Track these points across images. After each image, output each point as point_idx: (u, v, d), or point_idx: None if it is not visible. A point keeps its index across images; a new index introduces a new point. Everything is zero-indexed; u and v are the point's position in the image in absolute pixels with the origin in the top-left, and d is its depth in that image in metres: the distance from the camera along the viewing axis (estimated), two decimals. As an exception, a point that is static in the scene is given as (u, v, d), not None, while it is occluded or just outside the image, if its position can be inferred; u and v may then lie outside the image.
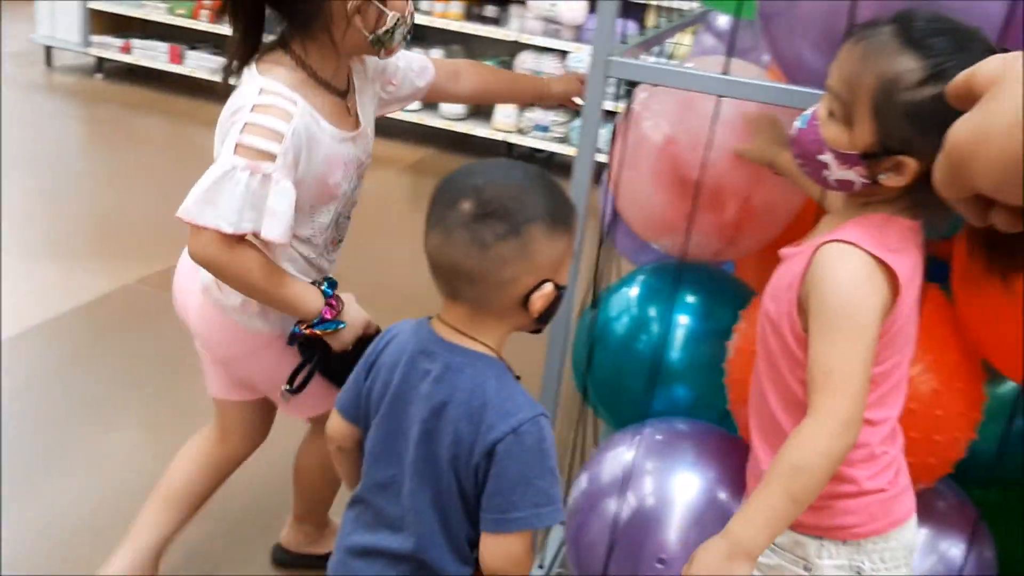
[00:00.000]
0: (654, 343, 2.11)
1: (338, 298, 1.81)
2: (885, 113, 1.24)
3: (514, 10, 5.89)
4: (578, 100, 2.14)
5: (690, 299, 2.16)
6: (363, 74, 1.94)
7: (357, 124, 1.90)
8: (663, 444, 1.92)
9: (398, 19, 1.74)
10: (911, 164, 1.27)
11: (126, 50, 6.75)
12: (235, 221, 1.63)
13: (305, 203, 1.78)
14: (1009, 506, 2.13)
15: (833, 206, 1.53)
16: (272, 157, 1.64)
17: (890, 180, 1.30)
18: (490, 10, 5.92)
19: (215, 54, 6.62)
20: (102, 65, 6.90)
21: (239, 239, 1.66)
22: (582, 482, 1.94)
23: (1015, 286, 1.51)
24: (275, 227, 1.65)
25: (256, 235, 1.66)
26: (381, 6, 1.71)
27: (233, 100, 1.71)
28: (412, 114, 6.15)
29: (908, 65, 1.22)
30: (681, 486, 1.83)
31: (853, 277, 1.31)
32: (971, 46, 1.22)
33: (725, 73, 1.50)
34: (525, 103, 2.09)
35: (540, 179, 1.34)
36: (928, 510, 1.86)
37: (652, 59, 2.26)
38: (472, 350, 1.37)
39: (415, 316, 1.45)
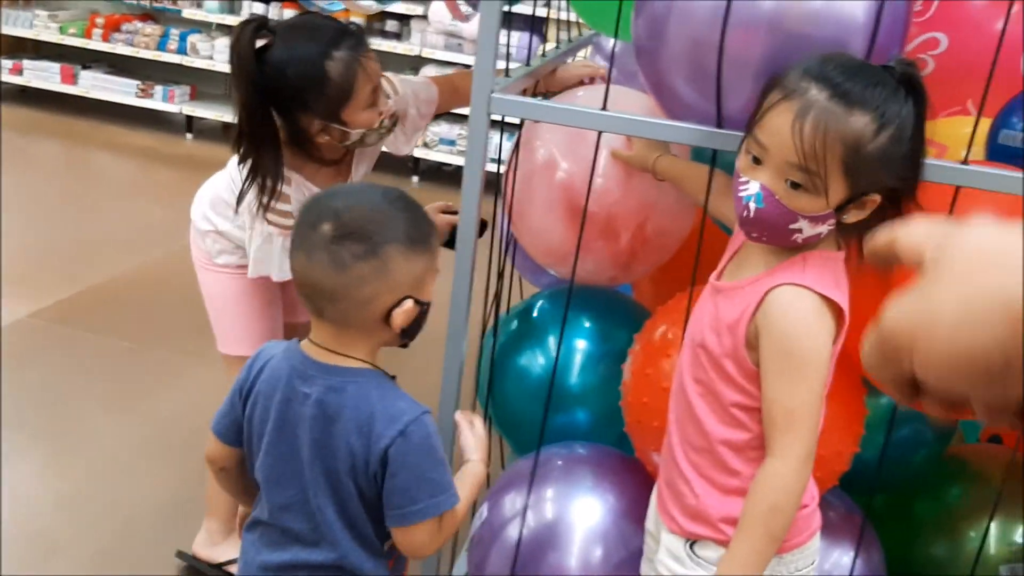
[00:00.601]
0: (550, 368, 2.13)
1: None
2: (856, 169, 1.30)
3: (415, 24, 5.89)
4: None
5: (587, 323, 2.19)
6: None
7: (347, 178, 2.13)
8: (562, 469, 1.95)
9: (364, 133, 1.94)
10: (876, 199, 1.35)
11: (17, 71, 6.56)
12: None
13: None
14: (894, 510, 2.21)
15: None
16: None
17: (852, 216, 1.37)
18: (391, 24, 5.91)
19: (109, 73, 6.48)
20: (-8, 87, 6.69)
21: None
22: (483, 512, 1.95)
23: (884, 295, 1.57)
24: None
25: None
26: (343, 128, 1.92)
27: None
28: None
29: (862, 122, 1.29)
30: (580, 510, 1.86)
31: (807, 321, 1.37)
32: (881, 79, 1.32)
33: (604, 108, 1.53)
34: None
35: (399, 201, 1.40)
36: (827, 525, 1.93)
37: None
38: (348, 367, 1.41)
39: None
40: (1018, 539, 2.03)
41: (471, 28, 5.70)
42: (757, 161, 1.33)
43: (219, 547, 2.40)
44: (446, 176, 5.91)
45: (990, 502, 2.07)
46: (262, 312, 2.22)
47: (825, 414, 1.68)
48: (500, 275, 2.15)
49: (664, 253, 2.05)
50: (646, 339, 1.85)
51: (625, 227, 1.94)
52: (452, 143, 5.90)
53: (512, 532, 1.83)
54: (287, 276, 1.98)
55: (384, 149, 2.21)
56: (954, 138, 2.06)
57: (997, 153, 1.86)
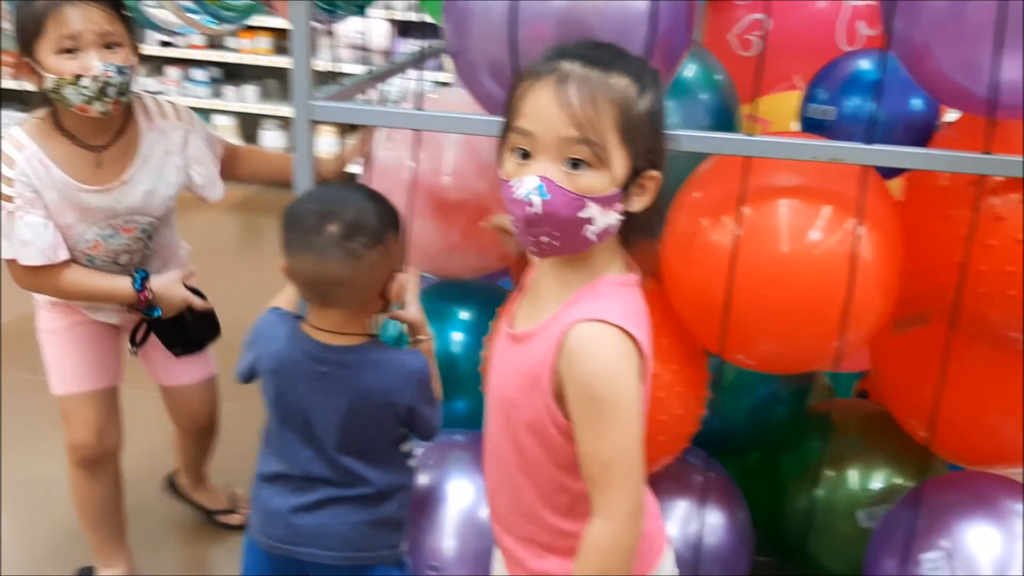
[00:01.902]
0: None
1: (149, 289, 2.08)
2: (631, 132, 1.23)
3: (323, 40, 5.94)
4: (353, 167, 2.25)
5: (464, 315, 2.28)
6: (160, 144, 2.10)
7: (111, 179, 2.04)
8: (437, 456, 2.03)
9: (59, 83, 1.90)
10: (655, 176, 1.28)
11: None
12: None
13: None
14: (763, 468, 2.32)
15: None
16: (10, 198, 1.97)
17: (638, 203, 1.29)
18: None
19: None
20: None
21: (45, 267, 2.02)
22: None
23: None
24: (30, 255, 1.99)
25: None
26: (39, 68, 1.91)
27: None
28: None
29: (623, 83, 1.24)
30: (452, 494, 1.94)
31: (610, 360, 1.27)
32: (624, 51, 1.29)
33: (420, 108, 1.61)
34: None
35: (375, 194, 1.65)
36: (686, 485, 2.03)
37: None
38: (355, 345, 1.66)
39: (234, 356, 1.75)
40: (875, 486, 2.14)
41: (377, 39, 5.78)
42: (526, 156, 1.24)
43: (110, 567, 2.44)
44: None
45: (849, 453, 2.19)
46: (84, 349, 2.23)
47: (662, 380, 1.79)
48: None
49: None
50: (498, 323, 1.94)
51: (492, 203, 2.03)
52: (369, 154, 5.94)
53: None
54: (35, 259, 1.99)
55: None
56: (781, 112, 2.18)
57: (809, 125, 1.97)
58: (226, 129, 6.14)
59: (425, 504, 1.94)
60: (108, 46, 1.92)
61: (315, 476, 1.71)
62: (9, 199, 1.97)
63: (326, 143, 5.97)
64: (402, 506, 1.78)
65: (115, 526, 2.41)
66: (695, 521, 2.00)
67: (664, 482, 2.00)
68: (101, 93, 1.91)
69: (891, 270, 1.69)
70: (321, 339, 1.66)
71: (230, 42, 6.07)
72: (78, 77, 1.89)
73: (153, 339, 2.27)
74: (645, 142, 1.26)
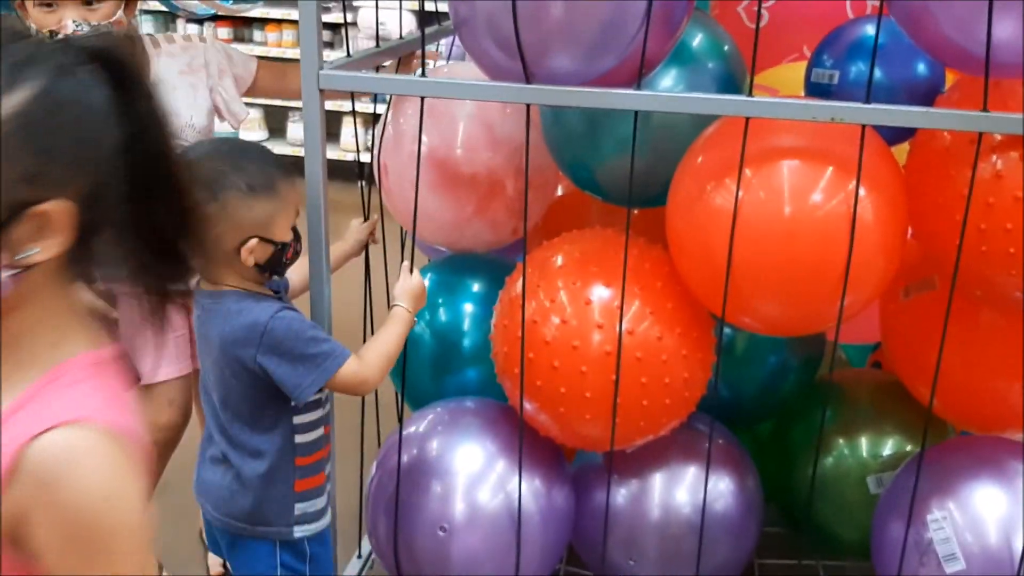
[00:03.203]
0: (438, 333, 2.26)
1: None
2: None
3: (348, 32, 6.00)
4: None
5: (475, 287, 2.31)
6: (172, 66, 2.12)
7: None
8: (448, 421, 2.06)
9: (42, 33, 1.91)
10: (59, 208, 0.86)
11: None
12: None
13: None
14: (775, 437, 2.34)
15: None
16: None
17: (44, 252, 0.87)
18: (324, 35, 6.02)
19: None
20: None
21: None
22: (372, 469, 2.07)
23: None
24: None
25: None
26: (25, 18, 1.96)
27: None
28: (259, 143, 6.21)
29: None
30: (462, 458, 1.97)
31: (105, 476, 0.87)
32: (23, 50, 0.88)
33: (423, 75, 1.65)
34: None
35: (248, 152, 1.68)
36: (694, 451, 2.05)
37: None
38: (217, 290, 1.66)
39: None
40: (885, 452, 2.15)
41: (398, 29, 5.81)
42: None
43: None
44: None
45: (860, 422, 2.21)
46: None
47: (665, 344, 1.82)
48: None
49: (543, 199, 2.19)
50: (505, 293, 1.97)
51: (506, 177, 2.08)
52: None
53: (395, 485, 1.95)
54: None
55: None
56: (791, 83, 2.20)
57: (813, 90, 1.98)
58: (253, 120, 6.22)
59: (436, 468, 1.97)
60: (88, 1, 1.94)
61: (211, 428, 1.76)
62: None
63: (349, 134, 6.04)
64: (279, 480, 1.73)
65: None
66: (702, 489, 2.03)
67: (671, 448, 2.02)
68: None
69: (894, 232, 1.71)
70: (201, 286, 1.69)
71: (256, 35, 6.14)
72: (52, 33, 1.91)
73: None
74: (19, 160, 0.83)
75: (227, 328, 1.64)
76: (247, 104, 2.31)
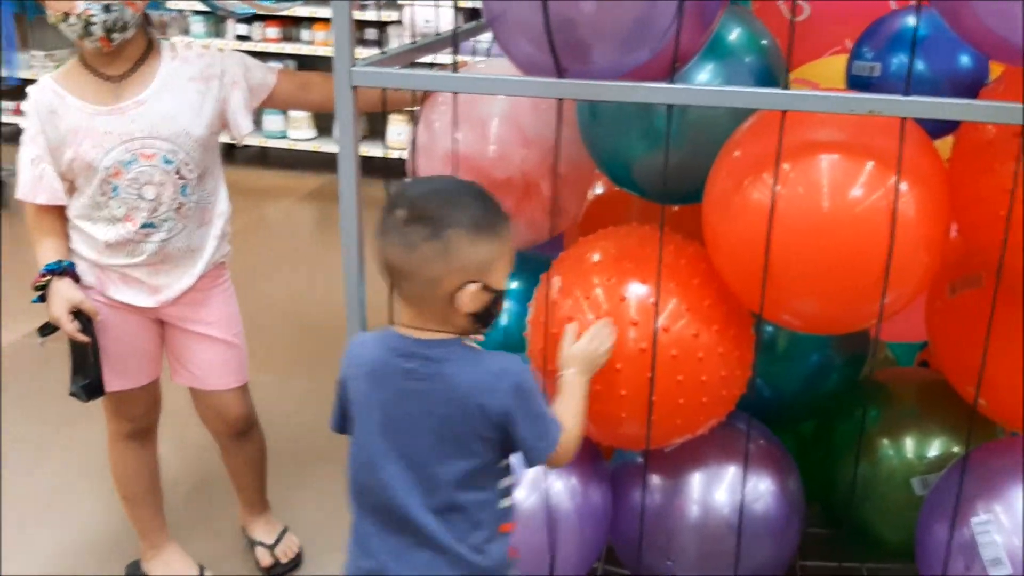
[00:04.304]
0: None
1: (50, 276, 2.09)
2: None
3: (392, 30, 6.03)
4: None
5: (514, 284, 2.31)
6: (183, 71, 2.15)
7: (126, 101, 2.10)
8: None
9: (58, 19, 2.00)
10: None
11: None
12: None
13: (70, 172, 2.10)
14: (818, 437, 2.30)
15: None
16: (24, 133, 2.11)
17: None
18: (370, 33, 6.06)
19: None
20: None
21: (31, 204, 2.15)
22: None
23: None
24: (19, 188, 2.13)
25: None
26: (43, 3, 2.02)
27: None
28: (307, 143, 6.28)
29: None
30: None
31: None
32: None
33: (455, 70, 1.64)
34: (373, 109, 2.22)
35: (470, 191, 1.53)
36: (733, 450, 2.02)
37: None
38: (441, 339, 1.51)
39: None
40: (931, 454, 2.10)
41: (447, 26, 5.82)
42: None
43: (150, 563, 2.50)
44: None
45: (905, 422, 2.16)
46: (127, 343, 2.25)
47: (702, 341, 1.79)
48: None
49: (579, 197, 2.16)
50: (540, 290, 1.96)
51: (541, 177, 2.07)
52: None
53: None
54: (18, 193, 2.12)
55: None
56: (832, 76, 2.16)
57: (854, 83, 1.94)
58: (301, 120, 6.29)
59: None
60: None
61: (408, 511, 1.52)
62: (23, 133, 2.10)
63: (395, 132, 6.07)
64: (494, 552, 1.57)
65: (158, 503, 2.49)
66: (744, 490, 2.00)
67: (710, 447, 2.00)
68: (85, 30, 1.99)
69: (936, 227, 1.67)
70: (405, 333, 1.53)
71: (304, 34, 6.20)
72: (66, 15, 1.98)
73: (184, 342, 2.31)
74: None
75: (472, 373, 1.49)
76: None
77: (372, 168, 1.97)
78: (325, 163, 6.29)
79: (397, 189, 1.54)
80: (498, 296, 1.52)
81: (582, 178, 2.22)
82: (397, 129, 6.04)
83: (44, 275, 2.09)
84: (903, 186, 1.59)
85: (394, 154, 6.06)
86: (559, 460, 1.60)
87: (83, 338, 2.08)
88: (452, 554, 1.52)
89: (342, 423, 1.63)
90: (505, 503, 1.59)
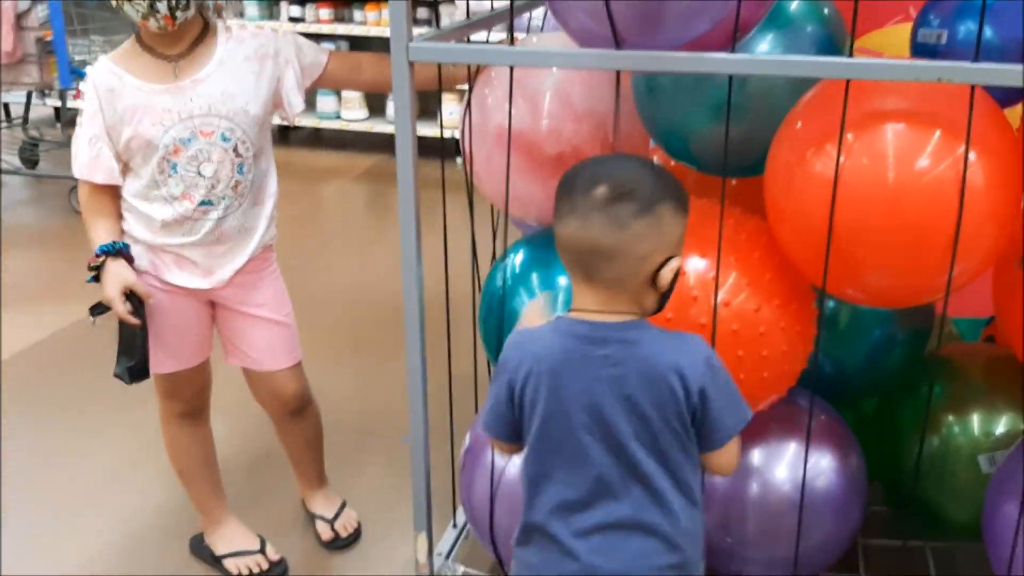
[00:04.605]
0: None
1: (105, 257, 2.11)
2: None
3: (444, 9, 6.02)
4: None
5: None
6: (238, 51, 2.16)
7: (184, 79, 2.12)
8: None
9: (120, 3, 2.03)
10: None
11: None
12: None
13: (128, 151, 2.12)
14: (880, 414, 2.26)
15: None
16: (82, 113, 2.12)
17: None
18: (422, 12, 6.06)
19: None
20: None
21: (84, 182, 2.16)
22: (466, 441, 2.07)
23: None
24: (76, 168, 2.15)
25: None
26: None
27: None
28: (359, 123, 6.30)
29: None
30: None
31: None
32: None
33: (512, 43, 1.63)
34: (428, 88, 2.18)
35: (655, 165, 1.51)
36: (794, 426, 1.99)
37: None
38: (633, 320, 1.47)
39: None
40: (999, 431, 2.06)
41: (499, 2, 5.80)
42: None
43: (211, 537, 2.53)
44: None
45: (971, 398, 2.12)
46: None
47: (763, 316, 1.77)
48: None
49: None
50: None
51: (593, 151, 2.03)
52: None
53: (491, 454, 1.96)
54: (76, 172, 2.13)
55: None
56: (895, 46, 2.11)
57: (919, 52, 1.89)
58: (353, 99, 6.31)
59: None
60: None
61: (607, 485, 1.47)
62: (81, 113, 2.13)
63: (448, 112, 6.07)
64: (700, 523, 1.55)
65: (215, 478, 2.52)
66: (803, 467, 1.97)
67: (771, 423, 1.97)
68: (151, 9, 2.01)
69: (1005, 197, 1.62)
70: (587, 318, 1.47)
71: (356, 15, 6.21)
72: None
73: (237, 324, 2.33)
74: None
75: (672, 349, 1.45)
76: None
77: (424, 148, 1.95)
78: (378, 143, 6.31)
79: (580, 171, 1.48)
80: (676, 276, 1.48)
81: (635, 149, 2.19)
82: (449, 109, 6.03)
83: (99, 256, 2.11)
84: (971, 156, 1.55)
85: (447, 133, 6.07)
86: (732, 456, 1.54)
87: (134, 320, 2.10)
88: (661, 535, 1.49)
89: (508, 431, 1.55)
90: (700, 484, 1.56)
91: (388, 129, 6.19)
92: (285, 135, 6.63)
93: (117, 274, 2.10)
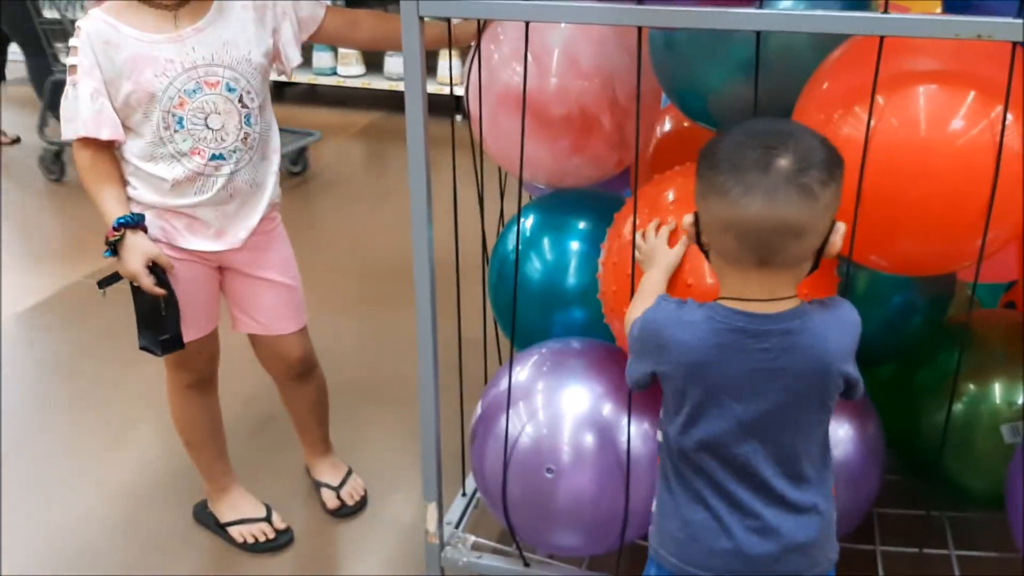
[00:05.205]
0: (546, 270, 2.20)
1: (123, 230, 2.02)
2: None
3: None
4: None
5: (581, 225, 2.23)
6: (234, 2, 2.08)
7: (185, 28, 2.04)
8: (554, 362, 2.00)
9: None
10: None
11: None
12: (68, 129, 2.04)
13: (127, 108, 2.02)
14: (898, 381, 2.21)
15: None
16: (75, 69, 1.99)
17: None
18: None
19: None
20: None
21: (86, 144, 2.03)
22: (477, 409, 2.03)
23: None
24: (74, 128, 2.02)
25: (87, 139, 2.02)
26: None
27: None
28: (356, 79, 6.20)
29: None
30: (568, 399, 1.92)
31: None
32: None
33: (529, -1, 1.56)
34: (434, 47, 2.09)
35: (809, 129, 1.40)
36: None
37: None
38: (794, 308, 1.40)
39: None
40: (1019, 399, 2.01)
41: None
42: None
43: (216, 504, 2.49)
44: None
45: (991, 366, 2.07)
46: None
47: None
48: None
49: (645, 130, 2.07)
50: (614, 230, 1.89)
51: (601, 111, 1.98)
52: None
53: (502, 423, 1.91)
54: (78, 131, 2.01)
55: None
56: (924, 3, 2.03)
57: (952, 7, 1.82)
58: (349, 56, 6.20)
59: (542, 409, 1.92)
60: None
61: (766, 487, 1.44)
62: (74, 70, 1.99)
63: (446, 67, 5.96)
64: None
65: (221, 447, 2.48)
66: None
67: (789, 392, 1.93)
68: None
69: (1043, 161, 1.56)
70: (752, 309, 1.39)
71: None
72: None
73: (248, 288, 2.27)
74: None
75: (836, 338, 1.42)
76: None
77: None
78: (375, 100, 6.21)
79: (741, 141, 1.36)
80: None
81: (647, 107, 2.13)
82: (446, 65, 5.93)
83: (116, 229, 2.02)
84: (1009, 118, 1.49)
85: (446, 89, 5.97)
86: None
87: (160, 291, 2.04)
88: (815, 512, 1.49)
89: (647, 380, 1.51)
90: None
91: (385, 85, 6.09)
92: (280, 91, 6.52)
93: (139, 247, 2.03)
